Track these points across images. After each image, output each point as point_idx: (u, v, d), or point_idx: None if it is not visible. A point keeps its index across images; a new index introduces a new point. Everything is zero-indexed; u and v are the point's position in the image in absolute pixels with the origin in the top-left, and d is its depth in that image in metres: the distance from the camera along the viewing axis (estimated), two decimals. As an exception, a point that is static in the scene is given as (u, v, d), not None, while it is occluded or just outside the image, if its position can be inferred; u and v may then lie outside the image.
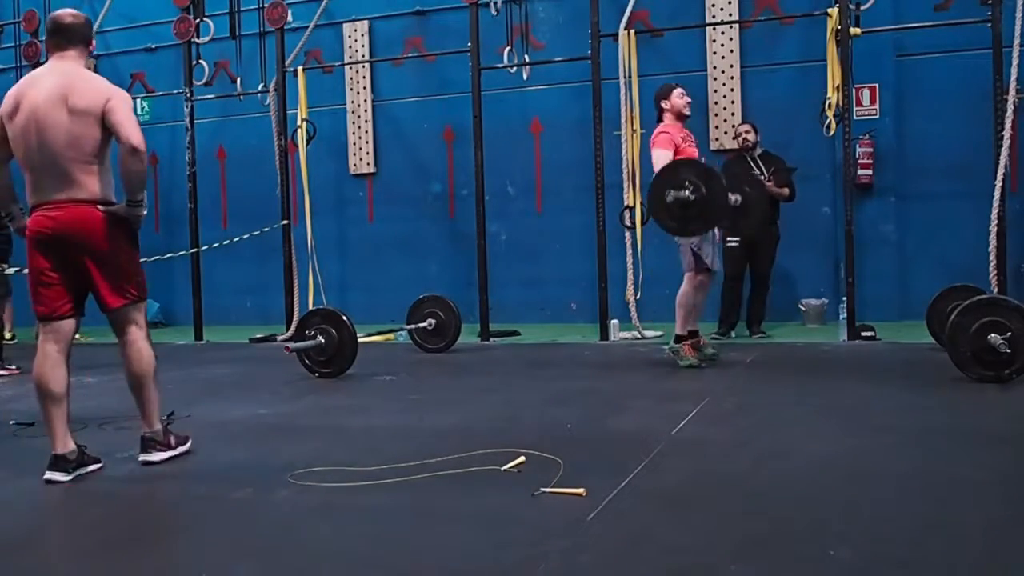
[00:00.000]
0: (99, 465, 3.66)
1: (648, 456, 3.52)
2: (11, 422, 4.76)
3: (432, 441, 3.93)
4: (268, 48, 9.22)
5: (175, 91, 9.75)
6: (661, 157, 5.94)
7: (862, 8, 7.40)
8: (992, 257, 6.78)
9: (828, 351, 6.81)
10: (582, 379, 5.86)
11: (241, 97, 9.46)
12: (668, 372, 5.90)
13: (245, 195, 10.60)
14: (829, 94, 7.29)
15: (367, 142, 10.24)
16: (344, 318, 6.16)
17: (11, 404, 5.59)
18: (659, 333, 7.70)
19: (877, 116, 8.36)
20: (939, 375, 5.11)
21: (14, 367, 7.09)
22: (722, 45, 8.85)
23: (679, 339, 6.07)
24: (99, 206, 3.58)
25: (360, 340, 6.31)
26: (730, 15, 8.74)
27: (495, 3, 8.57)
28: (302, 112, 8.95)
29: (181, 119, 9.67)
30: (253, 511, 3.10)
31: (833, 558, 2.38)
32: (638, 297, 7.82)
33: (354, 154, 10.29)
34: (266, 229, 9.14)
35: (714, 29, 8.77)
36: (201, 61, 9.38)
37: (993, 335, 4.80)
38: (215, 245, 9.13)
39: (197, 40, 9.28)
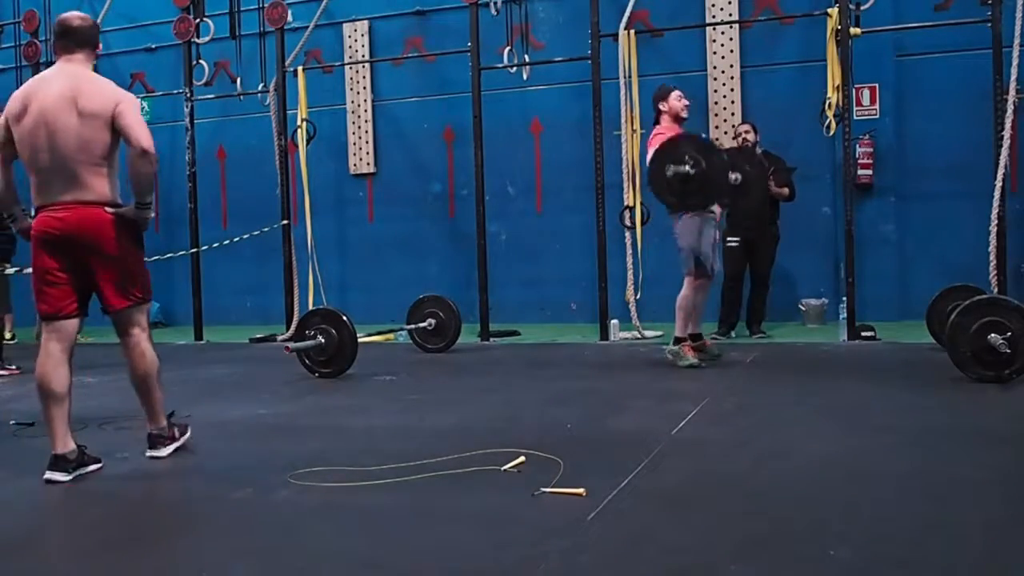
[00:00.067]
0: (99, 465, 3.66)
1: (648, 456, 3.52)
2: (11, 422, 4.76)
3: (432, 441, 3.93)
4: (268, 48, 9.22)
5: (175, 91, 9.75)
6: None
7: (862, 8, 7.40)
8: (992, 257, 6.78)
9: (828, 351, 6.81)
10: (582, 379, 5.86)
11: (241, 97, 9.47)
12: (668, 372, 5.90)
13: (245, 195, 10.61)
14: (829, 94, 7.30)
15: (367, 142, 10.24)
16: (344, 318, 6.16)
17: (11, 404, 5.59)
18: (659, 333, 7.70)
19: (877, 116, 8.37)
20: (939, 375, 5.11)
21: (14, 367, 7.09)
22: (722, 45, 8.85)
23: (678, 341, 6.07)
24: (107, 208, 3.61)
25: (360, 340, 6.31)
26: (730, 15, 8.74)
27: (495, 3, 8.57)
28: (302, 112, 8.96)
29: (181, 119, 9.67)
30: (253, 511, 3.10)
31: (833, 558, 2.38)
32: (638, 297, 7.82)
33: (354, 154, 10.30)
34: (266, 229, 9.14)
35: (714, 29, 8.77)
36: (201, 61, 9.39)
37: (993, 335, 4.81)
38: (215, 245, 9.13)
39: (197, 40, 9.28)
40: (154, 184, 3.70)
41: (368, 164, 10.27)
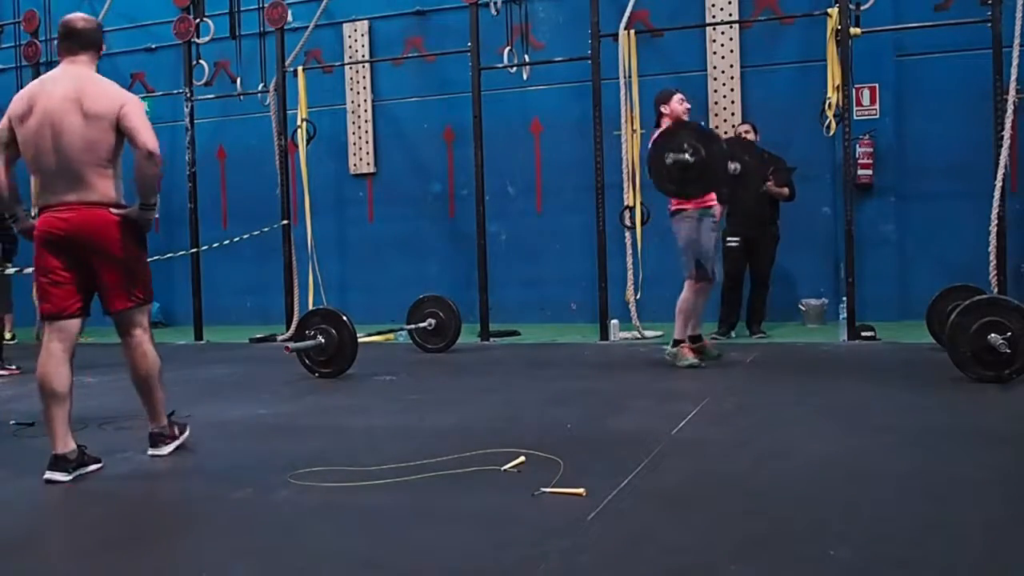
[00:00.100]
0: (99, 465, 3.66)
1: (648, 456, 3.52)
2: (11, 422, 4.76)
3: (432, 441, 3.93)
4: (268, 48, 9.23)
5: (175, 91, 9.75)
6: None
7: (862, 8, 7.40)
8: (992, 257, 6.78)
9: (828, 351, 6.81)
10: (582, 379, 5.86)
11: (241, 97, 9.47)
12: (668, 372, 5.90)
13: (245, 195, 10.61)
14: (829, 94, 7.30)
15: (367, 142, 10.24)
16: (344, 318, 6.16)
17: (11, 404, 5.58)
18: (659, 333, 7.70)
19: (877, 116, 8.37)
20: (939, 375, 5.11)
21: (14, 367, 7.09)
22: (722, 45, 8.85)
23: (676, 343, 6.07)
24: (112, 209, 3.63)
25: (360, 340, 6.31)
26: (730, 15, 8.74)
27: (495, 3, 8.57)
28: (302, 112, 8.96)
29: (181, 119, 9.67)
30: (253, 511, 3.10)
31: (833, 558, 2.38)
32: (638, 297, 7.82)
33: (354, 154, 10.30)
34: (266, 229, 9.14)
35: (714, 29, 8.77)
36: (201, 61, 9.39)
37: (993, 335, 4.81)
38: (215, 245, 9.13)
39: (197, 40, 9.28)
40: (159, 186, 3.72)
41: (368, 164, 10.27)
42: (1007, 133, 6.73)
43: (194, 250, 9.30)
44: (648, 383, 5.55)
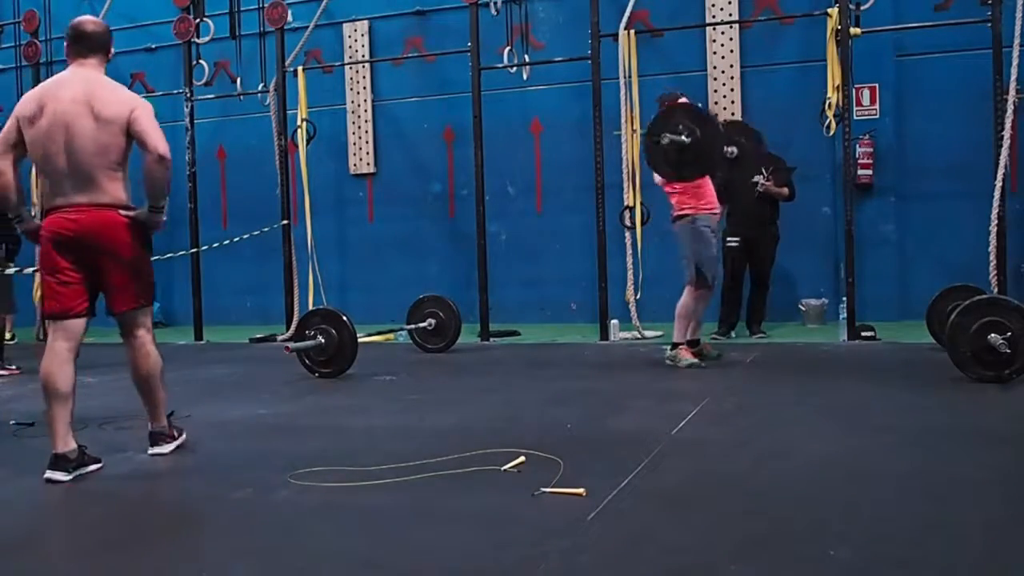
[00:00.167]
0: (99, 465, 3.67)
1: (648, 456, 3.52)
2: (11, 422, 4.75)
3: (432, 441, 3.93)
4: (268, 48, 9.22)
5: (175, 91, 9.74)
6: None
7: (862, 8, 7.40)
8: (992, 257, 6.79)
9: (828, 351, 6.81)
10: (582, 379, 5.86)
11: (241, 97, 9.47)
12: (668, 372, 5.90)
13: (245, 195, 10.61)
14: (829, 94, 7.30)
15: (367, 142, 10.24)
16: (344, 318, 6.16)
17: (11, 404, 5.58)
18: (659, 333, 7.70)
19: (877, 116, 8.37)
20: (939, 375, 5.11)
21: (14, 367, 7.08)
22: (722, 45, 8.85)
23: (675, 346, 6.06)
24: (121, 211, 3.66)
25: (360, 340, 6.31)
26: (730, 15, 8.74)
27: (495, 3, 8.57)
28: (302, 112, 8.96)
29: (181, 119, 9.67)
30: (253, 511, 3.10)
31: (833, 558, 2.38)
32: (638, 297, 7.82)
33: (354, 154, 10.30)
34: (266, 229, 9.14)
35: (714, 29, 8.77)
36: (201, 61, 9.39)
37: (993, 335, 4.80)
38: (215, 245, 9.13)
39: (197, 40, 9.28)
40: (169, 188, 3.76)
41: (368, 164, 10.27)
42: (1007, 133, 6.73)
43: (194, 250, 9.30)
44: (648, 383, 5.55)
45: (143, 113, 3.64)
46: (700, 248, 5.99)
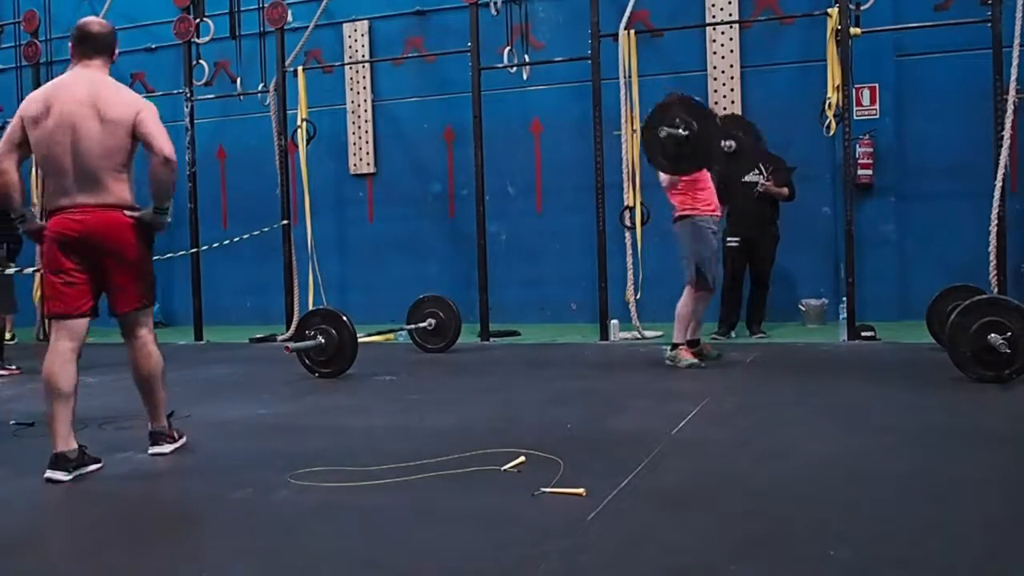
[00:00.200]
0: (99, 465, 3.67)
1: (648, 456, 3.52)
2: (11, 422, 4.75)
3: (432, 441, 3.93)
4: (268, 48, 9.22)
5: (175, 91, 9.74)
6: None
7: (862, 8, 7.40)
8: (992, 257, 6.79)
9: (828, 351, 6.81)
10: (582, 379, 5.86)
11: (241, 97, 9.47)
12: (668, 372, 5.90)
13: (245, 195, 10.61)
14: (829, 94, 7.30)
15: (367, 142, 10.24)
16: (344, 318, 6.16)
17: (11, 404, 5.58)
18: (659, 333, 7.70)
19: (877, 116, 8.37)
20: (939, 375, 5.11)
21: (14, 367, 7.08)
22: (722, 45, 8.84)
23: (675, 347, 6.06)
24: (126, 212, 3.68)
25: (360, 340, 6.31)
26: (730, 15, 8.74)
27: (495, 3, 8.57)
28: (302, 112, 8.96)
29: (181, 119, 9.66)
30: (253, 511, 3.10)
31: (833, 558, 2.38)
32: (638, 297, 7.82)
33: (354, 154, 10.30)
34: (266, 229, 9.14)
35: (714, 29, 8.77)
36: (201, 61, 9.39)
37: (993, 335, 4.81)
38: (215, 245, 9.13)
39: (197, 40, 9.28)
40: (174, 190, 3.78)
41: (368, 164, 10.27)
42: (1007, 133, 6.73)
43: (194, 250, 9.30)
44: (648, 383, 5.55)
45: (149, 116, 3.66)
46: (700, 248, 5.99)
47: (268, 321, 9.82)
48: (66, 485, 3.46)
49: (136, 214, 3.70)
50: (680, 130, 5.58)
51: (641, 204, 7.66)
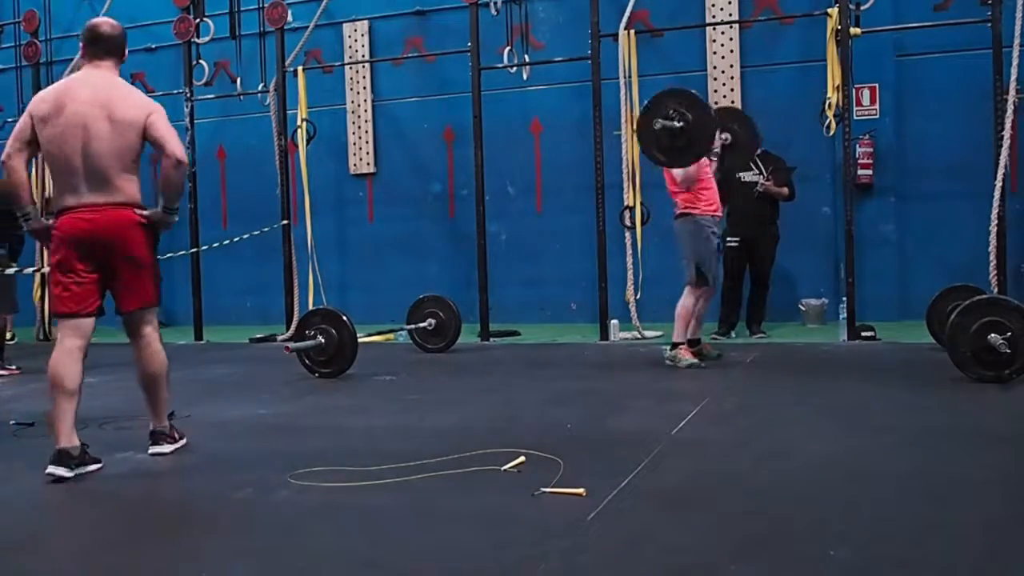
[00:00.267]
0: (99, 465, 3.67)
1: (648, 456, 3.52)
2: (11, 422, 4.76)
3: (432, 441, 3.93)
4: (268, 48, 9.22)
5: (175, 91, 9.73)
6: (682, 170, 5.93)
7: (862, 8, 7.40)
8: (992, 257, 6.78)
9: (828, 351, 6.81)
10: (582, 379, 5.86)
11: (241, 97, 9.47)
12: (668, 372, 5.90)
13: (245, 195, 10.60)
14: (829, 94, 7.30)
15: (367, 142, 10.24)
16: (344, 318, 6.16)
17: (11, 404, 5.58)
18: (659, 333, 7.70)
19: (877, 116, 8.37)
20: (939, 375, 5.11)
21: (14, 367, 7.08)
22: (722, 45, 8.85)
23: (675, 346, 6.06)
24: (135, 211, 3.71)
25: (360, 340, 6.31)
26: (730, 15, 8.73)
27: (495, 3, 8.57)
28: (302, 112, 8.96)
29: (181, 119, 9.65)
30: (253, 511, 3.10)
31: (833, 558, 2.38)
32: (638, 297, 7.82)
33: (354, 154, 10.29)
34: (266, 229, 9.14)
35: (714, 29, 8.77)
36: (201, 61, 9.39)
37: (993, 335, 4.81)
38: (215, 245, 9.13)
39: (197, 40, 9.28)
40: (184, 190, 3.79)
41: (368, 164, 10.27)
42: (1007, 133, 6.73)
43: (194, 250, 9.30)
44: (648, 383, 5.55)
45: (159, 118, 3.69)
46: (700, 248, 5.99)
47: (268, 321, 9.82)
48: (66, 485, 3.46)
49: (146, 213, 3.73)
50: (674, 121, 5.57)
51: (641, 204, 7.66)
